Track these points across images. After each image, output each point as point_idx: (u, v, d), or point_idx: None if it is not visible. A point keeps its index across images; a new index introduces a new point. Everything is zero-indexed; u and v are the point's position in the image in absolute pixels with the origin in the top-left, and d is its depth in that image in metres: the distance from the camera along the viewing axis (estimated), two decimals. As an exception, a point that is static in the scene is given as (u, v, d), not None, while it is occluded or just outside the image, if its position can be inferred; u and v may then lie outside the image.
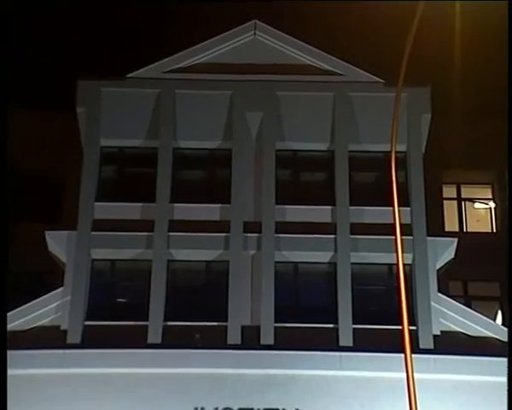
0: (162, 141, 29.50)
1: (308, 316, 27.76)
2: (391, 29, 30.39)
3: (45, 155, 31.41)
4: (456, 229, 32.73)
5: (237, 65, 30.21)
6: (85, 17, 36.57)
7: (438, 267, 28.48)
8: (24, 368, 25.95)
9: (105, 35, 36.28)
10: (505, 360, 25.93)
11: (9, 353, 25.74)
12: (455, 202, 33.50)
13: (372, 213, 28.28)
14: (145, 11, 36.21)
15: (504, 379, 25.57)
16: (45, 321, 27.47)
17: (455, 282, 30.76)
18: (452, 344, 27.00)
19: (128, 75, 30.21)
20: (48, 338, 26.93)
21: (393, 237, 19.95)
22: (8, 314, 26.68)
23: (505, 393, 25.66)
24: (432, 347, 26.96)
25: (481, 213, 33.52)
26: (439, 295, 27.99)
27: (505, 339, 27.10)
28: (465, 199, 33.59)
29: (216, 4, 36.44)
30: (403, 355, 18.49)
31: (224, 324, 27.40)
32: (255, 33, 30.95)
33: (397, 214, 19.98)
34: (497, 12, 28.91)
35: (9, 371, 25.34)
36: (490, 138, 31.80)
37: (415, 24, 20.39)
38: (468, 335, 27.50)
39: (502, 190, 33.02)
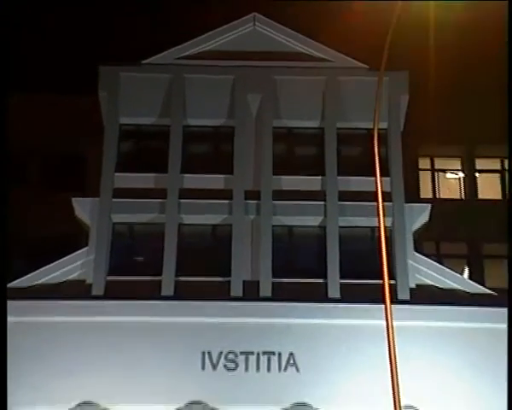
0: (173, 119, 29.62)
1: (301, 272, 28.04)
2: (374, 20, 30.35)
3: (73, 133, 31.38)
4: (430, 196, 32.90)
5: (239, 52, 30.26)
6: (104, 11, 36.54)
7: (414, 229, 28.74)
8: (56, 316, 26.31)
9: (122, 25, 36.22)
10: (471, 308, 26.60)
11: (45, 303, 26.72)
12: (429, 173, 33.61)
13: (357, 183, 28.44)
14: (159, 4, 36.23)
15: (469, 325, 26.42)
16: (73, 276, 27.75)
17: (428, 242, 30.93)
18: (426, 296, 27.34)
19: (143, 61, 30.33)
20: (75, 291, 27.31)
21: (375, 204, 20.37)
22: (42, 270, 27.50)
23: (470, 337, 26.53)
24: (408, 298, 27.25)
25: (452, 183, 33.62)
26: (415, 253, 28.28)
27: (471, 291, 27.61)
28: (438, 170, 33.67)
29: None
30: (383, 306, 18.95)
31: (227, 279, 27.66)
32: (255, 24, 31.00)
33: (378, 183, 20.39)
34: (473, 4, 28.90)
35: (44, 319, 26.46)
36: (460, 117, 31.97)
37: (395, 16, 20.59)
38: (439, 288, 27.79)
39: (469, 162, 33.20)
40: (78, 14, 35.49)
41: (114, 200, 28.59)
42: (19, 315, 26.06)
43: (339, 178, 28.95)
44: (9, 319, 25.78)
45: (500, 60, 34.25)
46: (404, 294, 27.28)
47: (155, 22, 35.38)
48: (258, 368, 26.35)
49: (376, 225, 21.08)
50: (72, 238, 28.69)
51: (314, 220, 28.65)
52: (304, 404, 25.84)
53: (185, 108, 29.79)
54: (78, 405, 25.55)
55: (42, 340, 26.09)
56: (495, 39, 34.58)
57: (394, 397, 18.09)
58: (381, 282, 19.25)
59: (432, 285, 27.80)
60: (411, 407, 24.86)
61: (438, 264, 28.65)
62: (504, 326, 25.96)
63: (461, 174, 33.58)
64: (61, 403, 25.50)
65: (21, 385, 25.53)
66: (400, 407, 18.08)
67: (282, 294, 27.33)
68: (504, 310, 26.22)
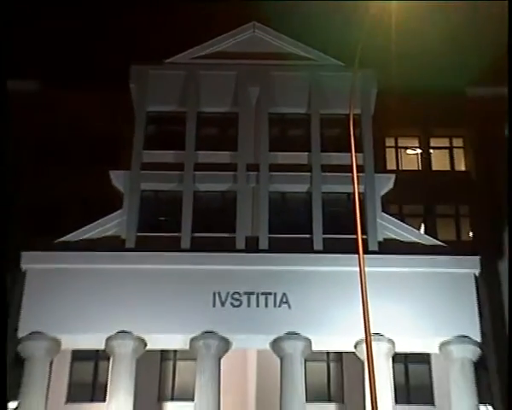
0: (189, 107, 29.74)
1: (292, 229, 28.15)
2: (351, 26, 30.05)
3: (110, 119, 31.18)
4: (394, 168, 32.52)
5: (242, 53, 30.33)
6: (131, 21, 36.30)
7: (381, 194, 28.92)
8: (96, 264, 26.67)
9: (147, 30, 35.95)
10: (426, 256, 26.75)
11: (87, 254, 26.79)
12: (393, 149, 33.20)
13: (336, 157, 28.54)
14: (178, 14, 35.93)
15: (425, 269, 26.58)
16: (110, 232, 27.91)
17: (393, 204, 30.61)
18: (391, 247, 27.58)
19: (166, 61, 30.35)
20: (112, 244, 27.53)
21: (351, 174, 20.57)
22: (86, 228, 27.62)
23: (426, 279, 26.55)
24: (377, 249, 27.50)
25: (411, 157, 33.26)
26: (383, 213, 28.47)
27: (426, 243, 27.74)
28: (400, 147, 33.25)
29: (223, 8, 36.02)
30: (357, 255, 19.17)
31: (233, 235, 27.84)
32: (254, 31, 31.03)
33: (353, 158, 20.53)
34: (433, 11, 28.58)
35: (87, 266, 26.59)
36: (417, 105, 31.72)
37: (367, 23, 20.80)
38: (401, 241, 27.94)
39: (425, 141, 32.92)
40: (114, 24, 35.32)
41: (143, 172, 28.75)
42: (68, 263, 26.62)
43: (322, 153, 29.08)
44: (61, 265, 26.62)
45: (451, 57, 34.34)
46: (373, 246, 27.52)
47: (174, 28, 35.15)
48: (257, 305, 26.49)
49: (351, 191, 21.26)
50: (109, 202, 28.57)
51: (302, 187, 28.83)
52: (294, 333, 26.12)
53: (199, 97, 29.82)
54: (117, 333, 25.95)
55: (86, 283, 26.43)
56: (450, 40, 34.53)
57: (365, 326, 18.29)
58: (355, 236, 19.42)
59: (396, 239, 28.00)
60: (378, 334, 25.18)
61: (400, 222, 28.80)
62: (453, 270, 26.61)
63: (418, 150, 33.29)
64: (103, 331, 25.99)
65: (70, 317, 25.90)
66: (370, 334, 18.28)
67: (276, 246, 27.56)
68: (454, 257, 26.71)
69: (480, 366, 26.42)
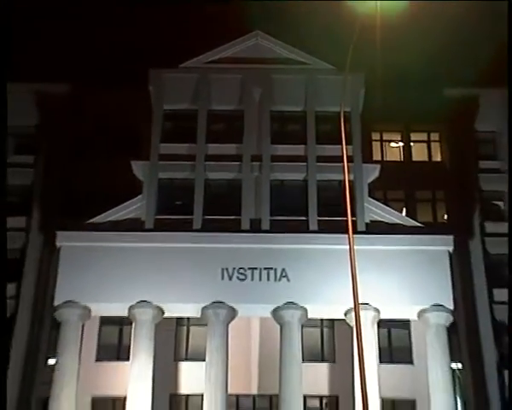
0: (201, 105, 29.85)
1: (290, 212, 28.23)
2: (341, 32, 29.79)
3: (132, 116, 30.92)
4: (380, 158, 32.33)
5: (246, 58, 30.37)
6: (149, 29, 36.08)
7: (368, 182, 29.01)
8: (120, 242, 26.93)
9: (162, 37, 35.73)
10: (407, 236, 26.91)
11: (112, 233, 26.90)
12: (379, 142, 33.03)
13: (329, 149, 28.48)
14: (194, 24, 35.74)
15: (407, 247, 26.71)
16: (132, 215, 28.11)
17: (379, 190, 30.49)
18: (377, 228, 27.71)
19: (180, 65, 30.34)
20: (134, 225, 27.73)
21: (342, 164, 20.48)
22: (110, 211, 27.80)
23: (407, 256, 26.64)
24: (364, 230, 27.64)
25: (395, 150, 33.18)
26: (370, 198, 28.62)
27: (407, 224, 27.89)
28: (385, 140, 33.09)
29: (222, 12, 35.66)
30: (347, 235, 19.01)
31: (238, 217, 28.00)
32: (257, 39, 31.07)
33: (344, 150, 20.45)
34: (416, 14, 28.31)
35: (112, 244, 26.79)
36: (400, 103, 31.54)
37: (357, 31, 20.38)
38: (386, 222, 28.13)
39: (407, 135, 32.84)
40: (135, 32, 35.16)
41: (160, 162, 28.86)
42: (96, 241, 26.90)
43: (317, 146, 29.17)
44: (90, 243, 26.81)
45: (431, 61, 34.23)
46: (361, 227, 27.69)
47: (188, 35, 34.95)
48: (260, 279, 26.69)
49: (342, 179, 21.16)
50: (130, 189, 28.51)
51: (299, 176, 28.94)
52: (292, 302, 26.39)
53: (209, 97, 29.86)
54: (138, 302, 26.30)
55: (111, 258, 26.70)
56: (433, 43, 34.39)
57: (354, 297, 18.28)
58: (345, 218, 19.42)
59: (381, 221, 28.13)
60: (366, 303, 25.42)
61: (385, 206, 28.91)
62: (430, 248, 26.73)
63: (401, 143, 33.16)
64: (127, 301, 26.37)
65: (98, 288, 26.20)
66: (358, 303, 18.22)
67: (277, 227, 27.71)
68: (431, 237, 26.73)
69: (452, 331, 26.85)
